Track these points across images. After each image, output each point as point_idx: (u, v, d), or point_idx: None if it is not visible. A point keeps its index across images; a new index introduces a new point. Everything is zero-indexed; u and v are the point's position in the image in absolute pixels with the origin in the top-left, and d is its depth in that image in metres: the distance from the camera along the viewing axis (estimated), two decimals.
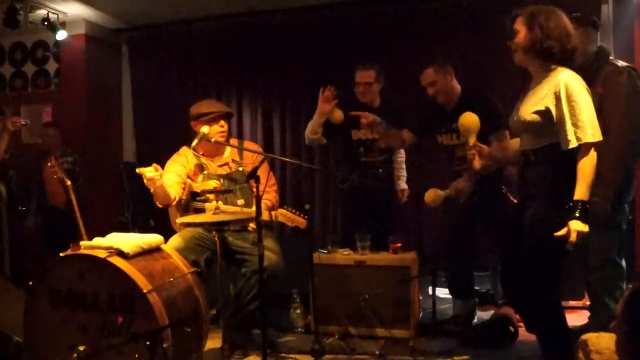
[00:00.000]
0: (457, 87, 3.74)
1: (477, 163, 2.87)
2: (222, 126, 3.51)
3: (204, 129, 3.31)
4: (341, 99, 3.98)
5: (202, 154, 3.59)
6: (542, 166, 2.54)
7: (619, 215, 3.30)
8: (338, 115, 3.97)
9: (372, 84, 4.10)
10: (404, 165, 4.51)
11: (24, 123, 4.64)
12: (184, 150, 3.53)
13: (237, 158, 3.62)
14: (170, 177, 3.39)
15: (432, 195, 3.71)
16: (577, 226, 2.36)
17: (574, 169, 2.44)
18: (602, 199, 3.09)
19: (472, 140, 2.87)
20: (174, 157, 3.59)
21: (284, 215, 3.40)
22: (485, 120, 3.20)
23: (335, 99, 3.91)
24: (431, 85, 3.71)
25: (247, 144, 3.83)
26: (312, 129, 4.06)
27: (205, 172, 3.53)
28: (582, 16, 3.18)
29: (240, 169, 3.56)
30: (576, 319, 3.64)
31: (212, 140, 3.33)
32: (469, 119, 2.94)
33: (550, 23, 2.48)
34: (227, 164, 3.61)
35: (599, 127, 2.44)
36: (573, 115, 2.41)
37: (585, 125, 2.39)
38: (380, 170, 4.26)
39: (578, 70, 3.07)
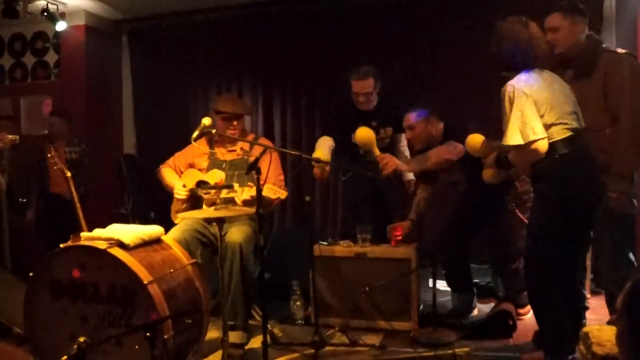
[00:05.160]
0: (438, 132, 3.75)
1: (386, 170, 3.25)
2: (233, 126, 3.65)
3: (205, 121, 3.31)
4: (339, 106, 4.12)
5: (216, 141, 3.73)
6: (542, 163, 2.66)
7: (632, 208, 3.05)
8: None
9: (372, 92, 3.97)
10: (407, 153, 4.47)
11: (12, 139, 4.18)
12: (198, 142, 3.63)
13: (246, 148, 3.71)
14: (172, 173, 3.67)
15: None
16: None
17: (571, 167, 2.60)
18: (620, 194, 2.91)
19: (376, 152, 2.98)
20: (184, 150, 3.76)
21: (268, 188, 3.40)
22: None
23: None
24: (410, 128, 3.74)
25: (261, 140, 3.91)
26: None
27: (212, 157, 3.65)
28: (567, 5, 3.08)
29: (245, 157, 3.64)
30: None
31: (214, 131, 3.34)
32: (363, 134, 3.07)
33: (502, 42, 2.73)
34: (236, 150, 3.73)
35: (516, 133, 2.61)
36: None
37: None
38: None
39: (573, 61, 3.09)
